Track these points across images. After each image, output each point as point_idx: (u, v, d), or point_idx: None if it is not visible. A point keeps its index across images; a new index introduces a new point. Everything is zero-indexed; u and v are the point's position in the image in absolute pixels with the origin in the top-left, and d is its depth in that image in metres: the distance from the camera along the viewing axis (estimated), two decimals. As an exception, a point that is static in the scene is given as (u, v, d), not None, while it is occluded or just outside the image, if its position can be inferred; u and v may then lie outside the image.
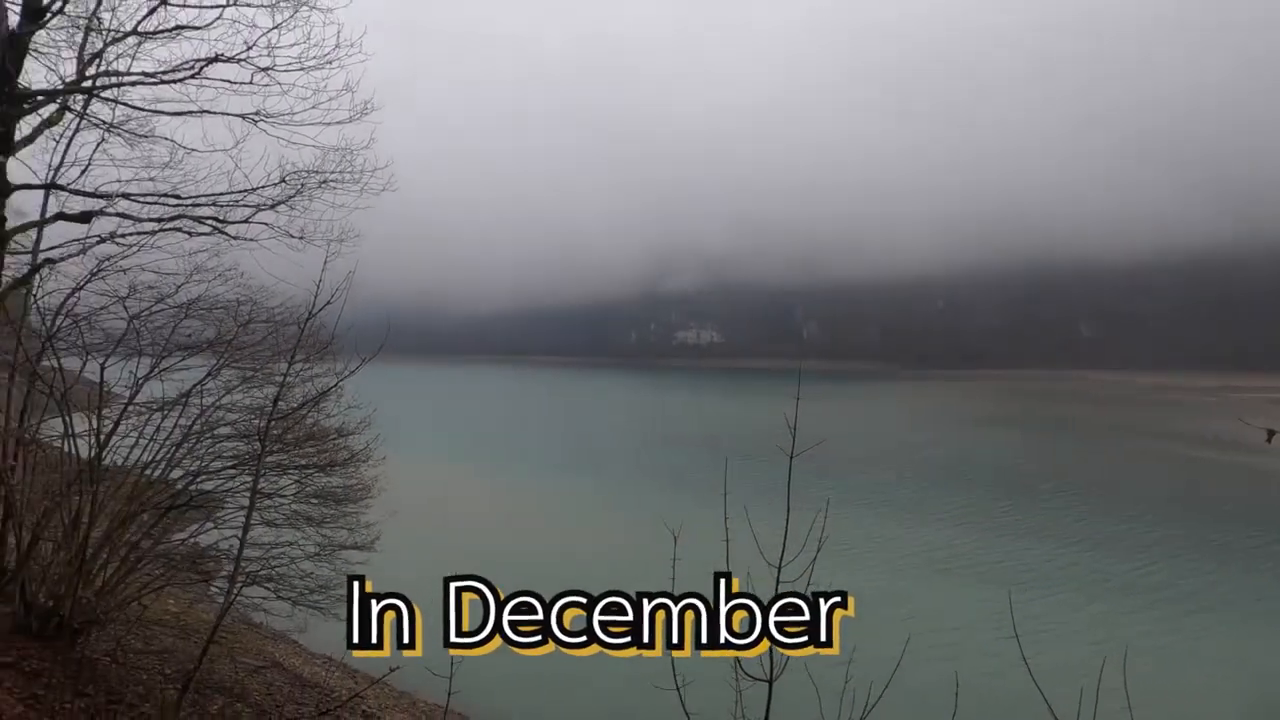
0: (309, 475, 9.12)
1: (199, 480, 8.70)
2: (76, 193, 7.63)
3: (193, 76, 7.33)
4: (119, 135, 8.28)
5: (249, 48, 7.48)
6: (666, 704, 3.25)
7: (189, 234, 8.47)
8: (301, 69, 7.53)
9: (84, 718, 6.12)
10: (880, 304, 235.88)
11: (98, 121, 8.22)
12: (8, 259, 7.82)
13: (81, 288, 8.70)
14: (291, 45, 7.43)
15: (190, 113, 7.80)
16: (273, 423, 7.50)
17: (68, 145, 8.63)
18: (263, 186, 8.09)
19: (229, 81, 7.37)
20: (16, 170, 7.54)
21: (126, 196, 7.58)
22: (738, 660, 2.95)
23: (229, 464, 8.75)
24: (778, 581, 2.95)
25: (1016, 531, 24.05)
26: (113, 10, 7.66)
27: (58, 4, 6.81)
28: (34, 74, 7.63)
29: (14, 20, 6.44)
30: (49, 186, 7.96)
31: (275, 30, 7.26)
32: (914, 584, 18.61)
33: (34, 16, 6.50)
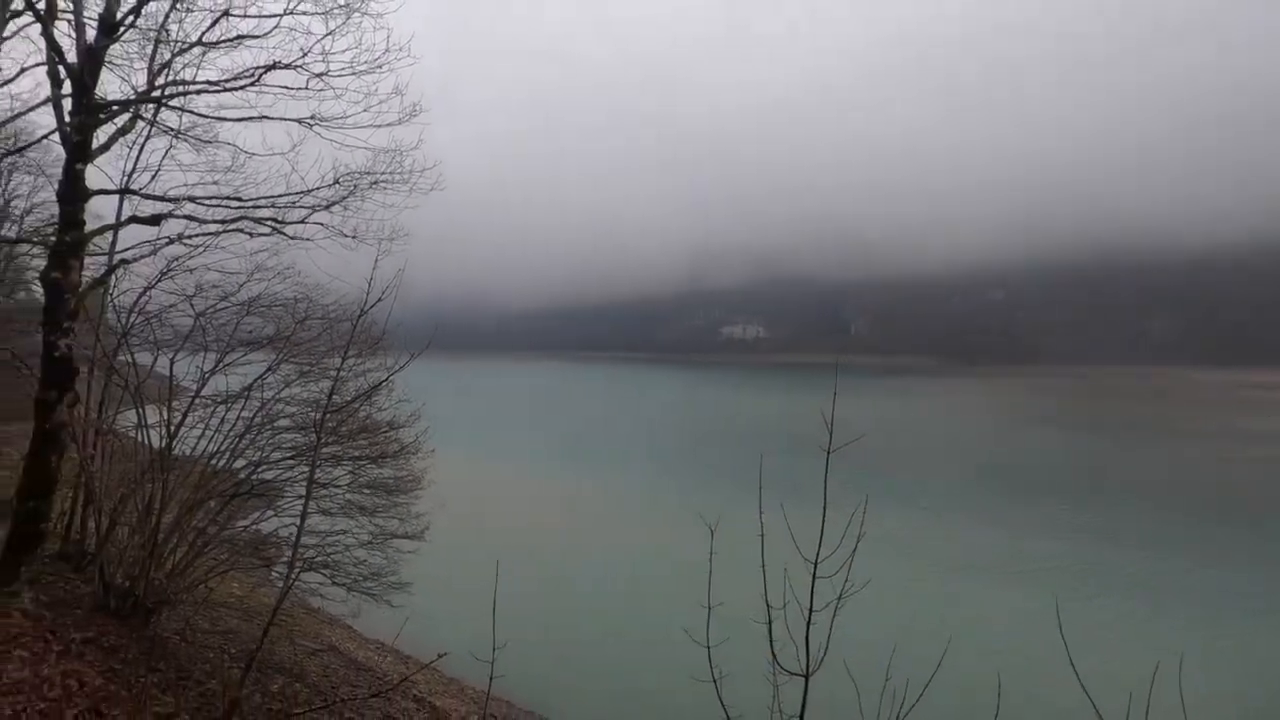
0: (362, 466, 9.43)
1: (260, 470, 9.12)
2: (147, 197, 8.06)
3: (253, 84, 7.64)
4: (186, 141, 8.73)
5: (304, 54, 7.76)
6: (703, 695, 3.29)
7: (250, 234, 8.83)
8: (353, 73, 7.78)
9: (156, 692, 6.50)
10: (933, 298, 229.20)
11: (166, 128, 8.67)
12: (87, 260, 8.30)
13: (153, 286, 9.20)
14: (344, 51, 7.68)
15: (251, 118, 8.14)
16: (328, 415, 7.80)
17: (140, 152, 9.15)
18: (318, 188, 8.39)
19: (286, 88, 7.67)
20: (94, 177, 8.01)
21: (193, 200, 7.97)
22: (774, 654, 2.96)
23: (287, 454, 9.13)
24: (814, 578, 2.95)
25: (1071, 534, 23.16)
26: (179, 22, 8.07)
27: (130, 18, 7.18)
28: (108, 85, 8.10)
29: (91, 35, 6.84)
30: (123, 191, 8.43)
31: (329, 36, 7.51)
32: (959, 584, 18.14)
33: (109, 31, 6.89)
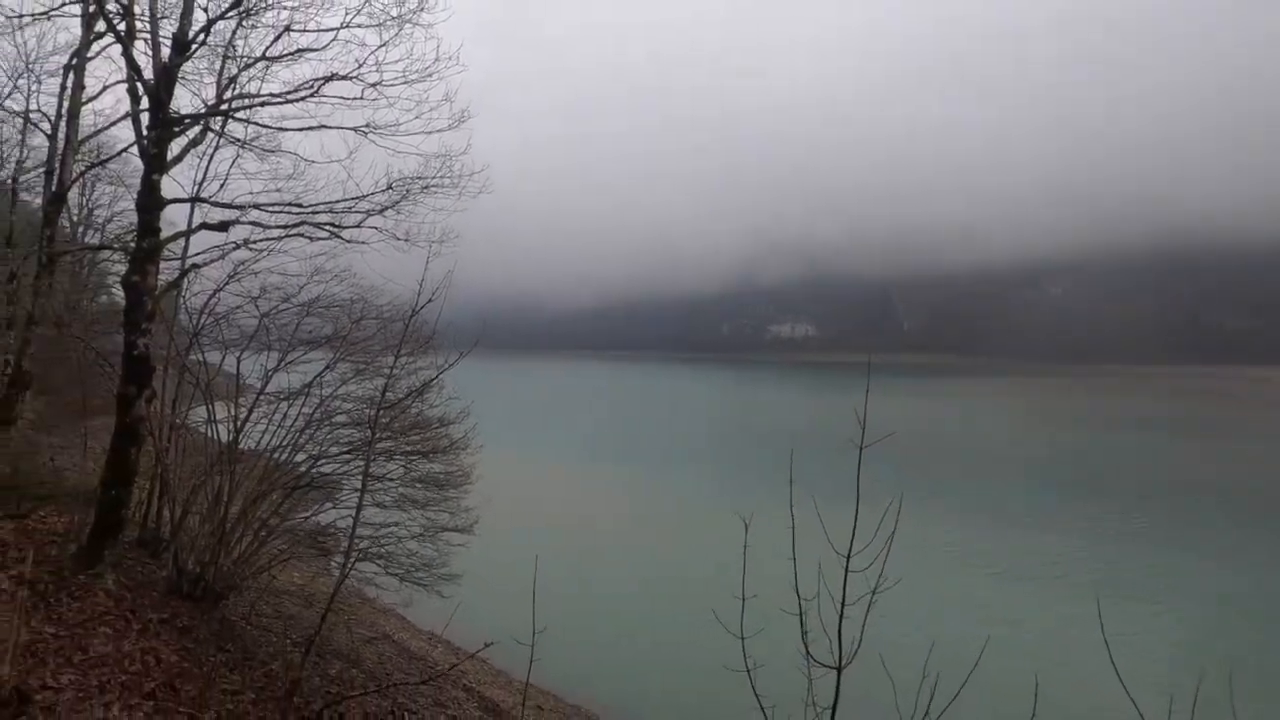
0: (414, 461, 9.76)
1: (319, 464, 9.56)
2: (216, 204, 8.54)
3: (312, 95, 8.02)
4: (252, 150, 9.20)
5: (359, 65, 8.11)
6: (737, 685, 3.36)
7: (310, 239, 9.25)
8: (405, 82, 8.08)
9: (224, 670, 6.91)
10: (987, 295, 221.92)
11: (234, 139, 9.16)
12: (161, 265, 8.83)
13: (221, 289, 9.76)
14: (397, 61, 7.99)
15: (310, 128, 8.53)
16: (381, 412, 8.13)
17: (209, 162, 9.68)
18: (372, 193, 8.73)
19: (342, 98, 8.02)
20: (167, 186, 8.52)
21: (257, 206, 8.39)
22: (807, 647, 3.01)
23: (344, 449, 9.53)
24: (846, 571, 2.99)
25: (1122, 538, 22.16)
26: (245, 39, 8.53)
27: (201, 36, 7.63)
28: (181, 100, 8.60)
29: (166, 53, 7.30)
30: (194, 200, 8.94)
31: (382, 48, 7.83)
32: (1001, 585, 17.61)
33: (182, 49, 7.34)
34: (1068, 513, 25.76)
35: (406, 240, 9.14)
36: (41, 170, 12.86)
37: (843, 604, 3.01)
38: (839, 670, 3.01)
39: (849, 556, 3.01)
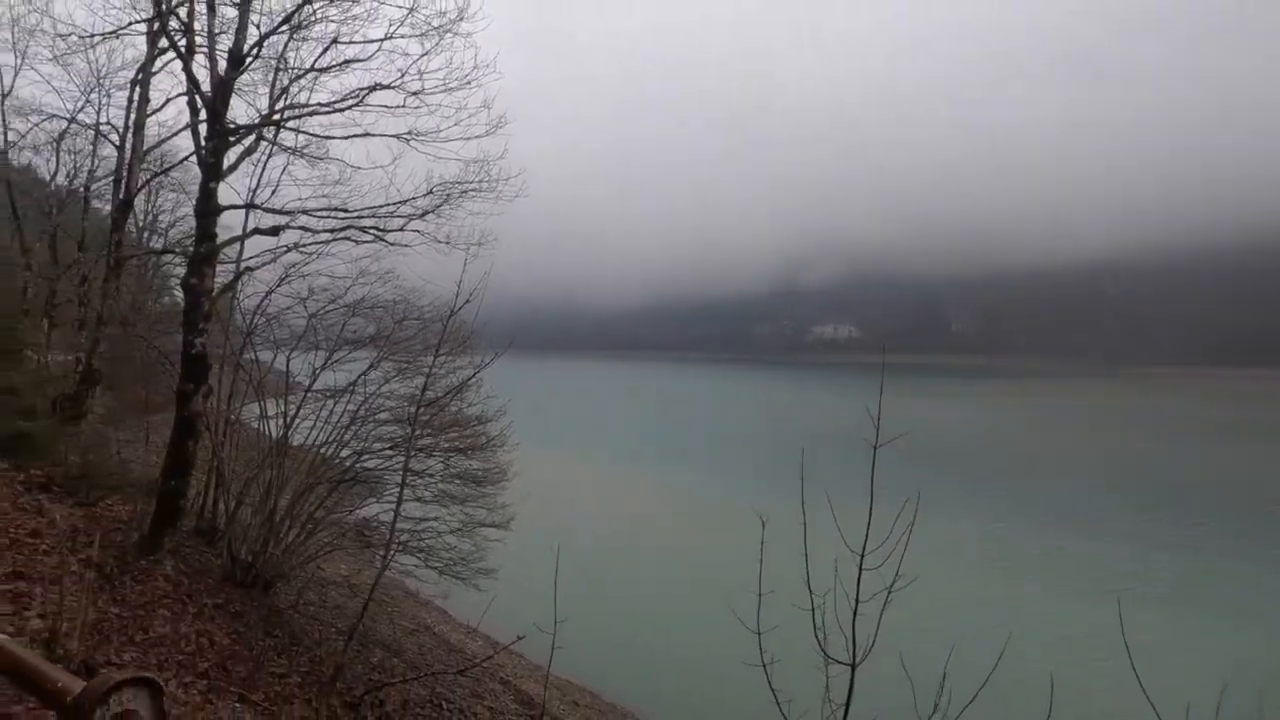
0: (452, 457, 10.02)
1: (363, 459, 9.91)
2: (268, 210, 8.96)
3: (357, 104, 8.34)
4: (303, 157, 9.62)
5: (402, 75, 8.41)
6: (754, 680, 3.41)
7: (355, 242, 9.61)
8: (445, 90, 8.34)
9: (272, 654, 7.25)
10: (1041, 294, 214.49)
11: (285, 147, 9.59)
12: (218, 267, 9.30)
13: (273, 291, 10.21)
14: (437, 70, 8.25)
15: (356, 135, 8.88)
16: (421, 409, 8.40)
17: (262, 170, 10.15)
18: (414, 198, 9.03)
19: (386, 106, 8.32)
20: (224, 193, 8.96)
21: (305, 212, 8.78)
22: (821, 643, 3.05)
23: (387, 445, 9.86)
24: (860, 569, 3.03)
25: (1174, 547, 21.13)
26: (296, 51, 8.92)
27: (255, 50, 8.02)
28: (236, 110, 9.03)
29: (222, 68, 7.70)
30: (249, 206, 9.38)
31: (424, 57, 8.10)
32: (1030, 590, 17.03)
33: (237, 63, 7.73)
34: (1116, 521, 24.73)
35: (447, 243, 9.41)
36: (110, 179, 13.64)
37: (856, 601, 3.04)
38: (853, 668, 3.04)
39: (862, 555, 3.04)
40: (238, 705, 5.59)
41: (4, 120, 13.81)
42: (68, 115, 13.47)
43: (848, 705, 3.07)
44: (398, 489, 8.60)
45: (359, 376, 9.79)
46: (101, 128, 13.61)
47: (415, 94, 8.23)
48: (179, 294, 9.33)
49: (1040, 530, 22.82)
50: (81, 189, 15.64)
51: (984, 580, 17.46)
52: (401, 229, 9.40)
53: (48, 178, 16.92)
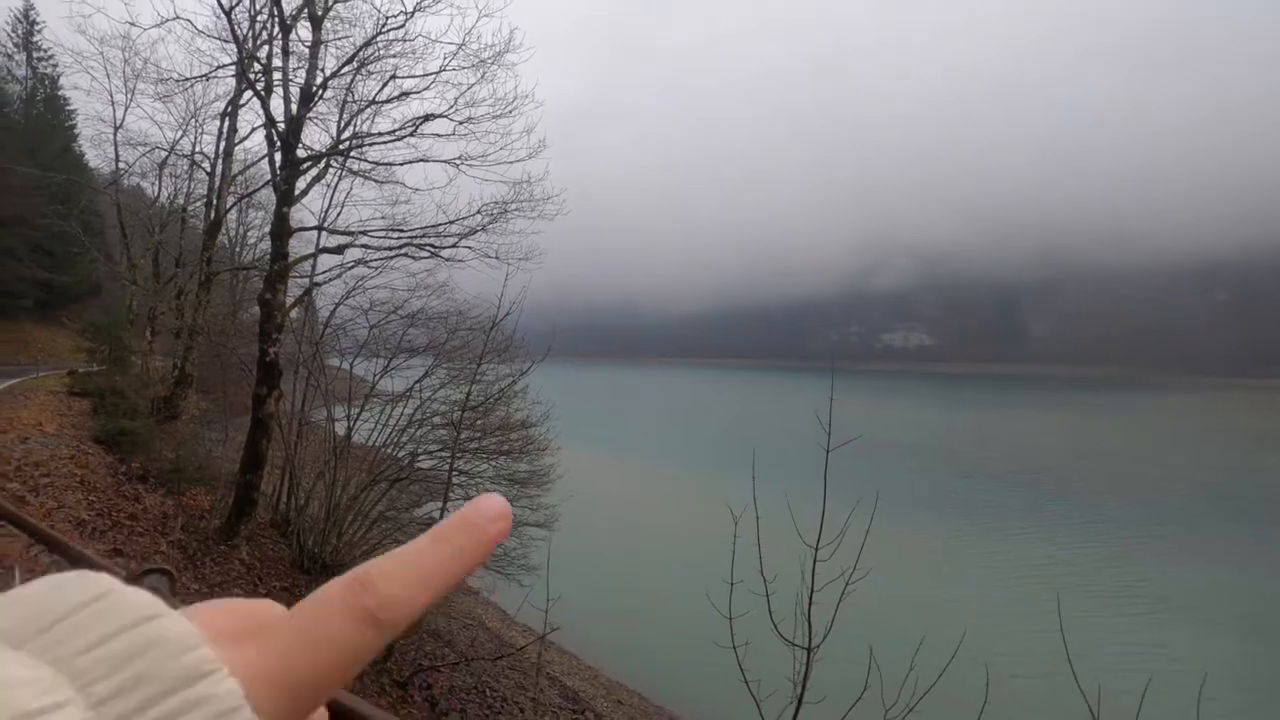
0: (499, 459, 10.65)
1: (417, 458, 10.67)
2: (333, 231, 9.83)
3: (413, 133, 9.10)
4: (371, 180, 10.52)
5: (455, 102, 9.14)
6: (727, 661, 3.74)
7: (413, 258, 10.41)
8: (492, 118, 9.00)
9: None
10: (1136, 298, 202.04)
11: (352, 171, 10.51)
12: (292, 282, 10.25)
13: (340, 304, 11.15)
14: (484, 100, 8.93)
15: (413, 161, 9.68)
16: (466, 414, 9.04)
17: (333, 193, 11.12)
18: (464, 217, 9.73)
19: (438, 135, 9.05)
20: (302, 215, 9.95)
21: (365, 233, 9.60)
22: (774, 626, 3.37)
23: (439, 447, 10.58)
24: (814, 561, 3.33)
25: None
26: (363, 83, 9.80)
27: (322, 89, 8.90)
28: (311, 136, 10.00)
29: (294, 106, 8.58)
30: (320, 228, 10.32)
31: (470, 89, 8.79)
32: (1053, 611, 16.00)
33: (306, 101, 8.60)
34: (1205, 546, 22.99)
35: (497, 258, 10.07)
36: (203, 201, 15.08)
37: (811, 591, 3.35)
38: (809, 650, 3.35)
39: (816, 549, 3.35)
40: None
41: (116, 150, 15.48)
42: (167, 146, 15.01)
43: (804, 683, 3.38)
44: (449, 487, 9.27)
45: (414, 383, 10.56)
46: (196, 156, 15.10)
47: (463, 122, 8.92)
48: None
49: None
50: (180, 210, 17.30)
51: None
52: (455, 245, 10.13)
53: (152, 199, 18.79)
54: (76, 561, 1.62)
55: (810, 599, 3.34)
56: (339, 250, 9.81)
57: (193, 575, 6.94)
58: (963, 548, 17.96)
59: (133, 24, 9.42)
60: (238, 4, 8.61)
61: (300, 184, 9.32)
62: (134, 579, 1.54)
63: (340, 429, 10.50)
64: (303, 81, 8.78)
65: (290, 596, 6.88)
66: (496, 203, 9.63)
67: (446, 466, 10.70)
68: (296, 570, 9.17)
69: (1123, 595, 15.36)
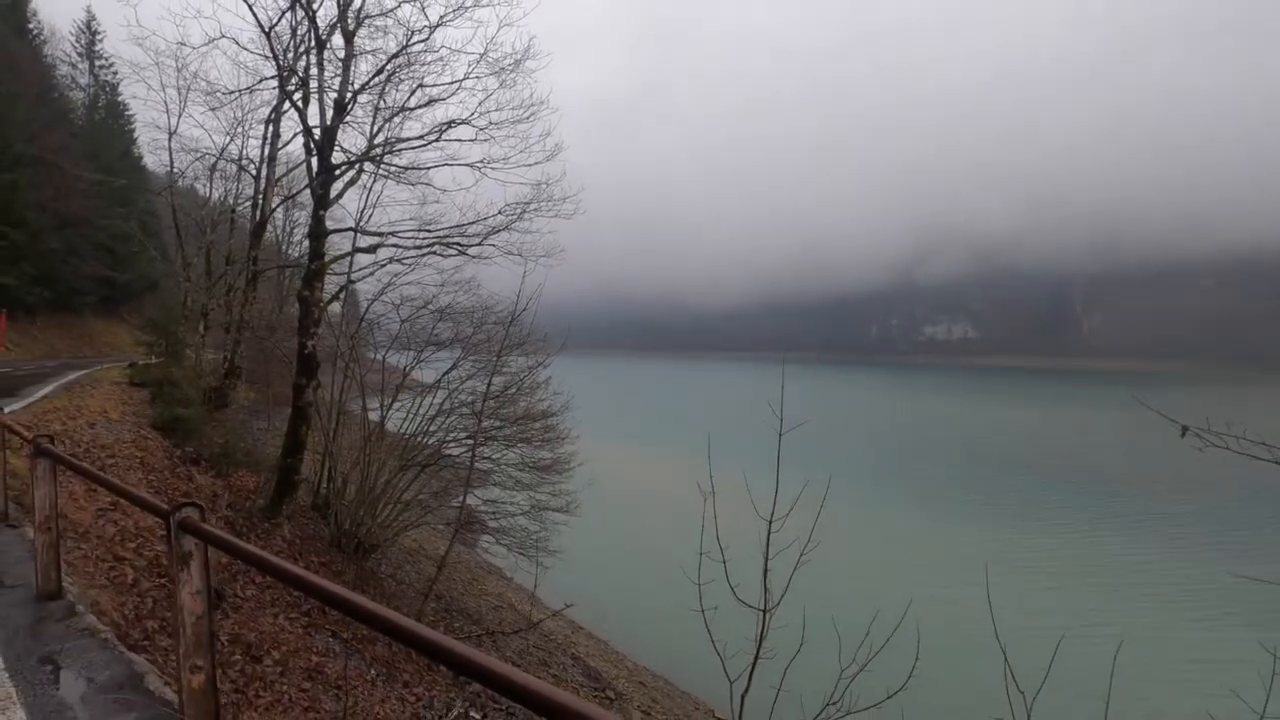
0: (520, 447, 11.20)
1: (446, 446, 11.30)
2: (366, 232, 10.47)
3: (438, 139, 9.65)
4: (405, 183, 11.12)
5: (478, 106, 9.66)
6: (696, 624, 4.14)
7: (442, 256, 10.99)
8: (512, 123, 9.49)
9: (364, 606, 8.63)
10: (1194, 289, 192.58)
11: (384, 174, 11.13)
12: (329, 279, 10.93)
13: (374, 300, 11.82)
14: (506, 106, 9.43)
15: (439, 165, 10.25)
16: (488, 402, 9.59)
17: (367, 195, 11.77)
18: (489, 217, 10.27)
19: (460, 140, 9.59)
20: (339, 215, 10.61)
21: (396, 233, 10.21)
22: (732, 589, 3.74)
23: (465, 435, 11.18)
24: (769, 536, 3.69)
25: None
26: (395, 91, 10.39)
27: (354, 100, 9.51)
28: (347, 139, 10.61)
29: (329, 116, 9.21)
30: (355, 230, 10.97)
31: (490, 96, 9.29)
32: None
33: (340, 110, 9.23)
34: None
35: (520, 255, 10.59)
36: (249, 203, 15.98)
37: (766, 559, 3.72)
38: (763, 612, 3.72)
39: (770, 520, 3.72)
40: (330, 639, 6.90)
41: (171, 155, 16.49)
42: (217, 151, 15.94)
43: (760, 642, 3.75)
44: (474, 473, 9.85)
45: (443, 375, 11.17)
46: (243, 160, 16.00)
47: (485, 128, 9.43)
48: (301, 303, 11.12)
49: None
50: (230, 211, 18.32)
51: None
52: (480, 244, 10.67)
53: (204, 200, 19.88)
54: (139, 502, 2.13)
55: (766, 566, 3.71)
56: (372, 250, 10.44)
57: (238, 548, 7.60)
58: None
59: (183, 44, 10.18)
60: (277, 23, 9.25)
61: (336, 187, 9.98)
62: (174, 508, 2.02)
63: (374, 418, 11.17)
64: (337, 91, 9.40)
65: (328, 571, 7.49)
66: (517, 203, 10.13)
67: (469, 453, 11.31)
68: (334, 549, 9.87)
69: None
